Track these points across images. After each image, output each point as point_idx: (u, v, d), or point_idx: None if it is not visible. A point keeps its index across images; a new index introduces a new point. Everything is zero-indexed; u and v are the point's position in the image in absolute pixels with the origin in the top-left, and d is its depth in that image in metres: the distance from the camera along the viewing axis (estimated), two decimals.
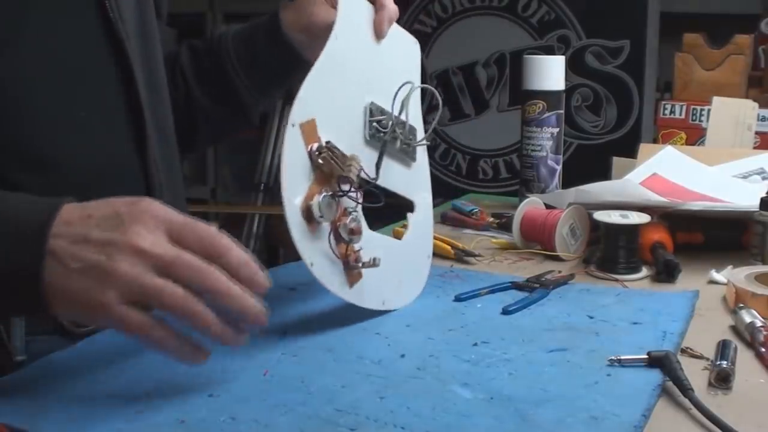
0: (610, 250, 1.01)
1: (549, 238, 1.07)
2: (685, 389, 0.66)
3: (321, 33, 0.92)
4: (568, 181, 1.28)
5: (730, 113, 1.45)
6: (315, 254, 0.76)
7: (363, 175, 0.81)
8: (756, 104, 1.47)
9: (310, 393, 0.68)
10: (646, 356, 0.72)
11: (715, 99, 1.48)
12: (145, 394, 0.67)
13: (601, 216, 1.01)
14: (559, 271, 0.99)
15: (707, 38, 1.95)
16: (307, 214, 0.76)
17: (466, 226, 1.24)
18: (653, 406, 0.65)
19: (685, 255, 1.01)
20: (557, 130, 1.27)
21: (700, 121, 1.75)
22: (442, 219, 1.28)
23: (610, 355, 0.73)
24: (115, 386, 0.69)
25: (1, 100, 0.78)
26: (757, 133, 1.46)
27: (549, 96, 1.26)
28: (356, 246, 0.79)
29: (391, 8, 0.88)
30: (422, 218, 0.94)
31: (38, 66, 0.80)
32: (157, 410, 0.64)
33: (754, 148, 1.45)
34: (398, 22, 0.92)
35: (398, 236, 0.93)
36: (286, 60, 1.01)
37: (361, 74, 0.85)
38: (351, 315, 0.84)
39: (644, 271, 1.01)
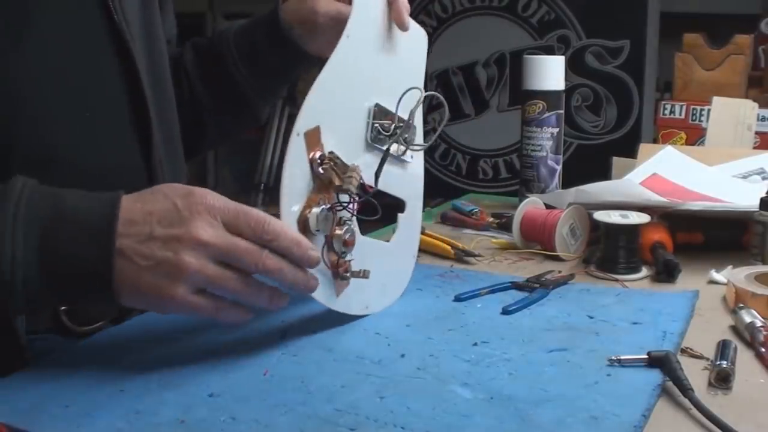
0: (610, 250, 1.01)
1: (549, 238, 1.07)
2: (685, 389, 0.66)
3: (322, 25, 0.93)
4: (568, 181, 1.28)
5: (730, 113, 1.45)
6: None
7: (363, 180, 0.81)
8: (756, 104, 1.47)
9: (310, 393, 0.68)
10: (646, 356, 0.72)
11: (715, 99, 1.49)
12: (145, 393, 0.67)
13: (601, 216, 1.01)
14: (559, 271, 0.99)
15: (707, 38, 1.95)
16: (303, 225, 0.76)
17: (466, 226, 1.24)
18: (653, 406, 0.65)
19: (685, 255, 1.01)
20: (557, 130, 1.27)
21: (700, 121, 1.75)
22: (442, 219, 1.28)
23: (610, 355, 0.73)
24: (115, 386, 0.69)
25: (7, 100, 0.78)
26: (757, 133, 1.46)
27: (549, 96, 1.26)
28: (349, 256, 0.79)
29: None
30: (411, 218, 0.94)
31: (44, 67, 0.80)
32: (157, 410, 0.64)
33: (754, 148, 1.45)
34: None
35: None
36: (286, 54, 1.01)
37: (370, 74, 0.85)
38: (351, 315, 0.84)
39: (644, 271, 1.01)
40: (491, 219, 1.23)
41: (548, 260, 1.07)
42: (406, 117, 0.85)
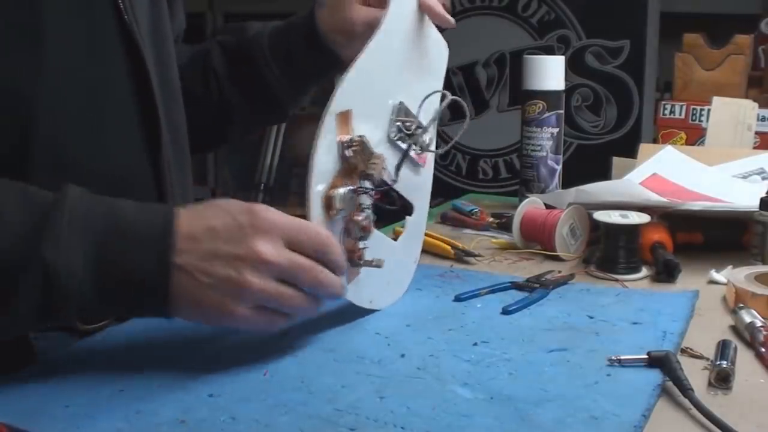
0: (610, 250, 1.01)
1: (549, 238, 1.07)
2: (685, 389, 0.66)
3: (358, 33, 0.94)
4: (568, 181, 1.28)
5: (730, 113, 1.45)
6: None
7: (384, 176, 0.81)
8: (756, 104, 1.47)
9: (310, 393, 0.68)
10: (646, 356, 0.72)
11: (715, 99, 1.48)
12: (145, 393, 0.67)
13: (601, 216, 1.01)
14: (559, 271, 0.99)
15: (707, 38, 1.95)
16: (327, 204, 0.77)
17: (466, 226, 1.24)
18: (653, 406, 0.65)
19: (685, 255, 1.01)
20: (557, 130, 1.27)
21: (700, 121, 1.75)
22: (442, 219, 1.28)
23: (610, 355, 0.73)
24: (115, 386, 0.69)
25: (23, 102, 0.78)
26: (757, 133, 1.46)
27: (549, 96, 1.26)
28: (363, 244, 0.80)
29: None
30: (418, 222, 0.94)
31: (56, 68, 0.80)
32: (157, 410, 0.64)
33: (754, 148, 1.45)
34: None
35: (398, 236, 0.93)
36: (322, 59, 1.02)
37: (398, 73, 0.86)
38: (351, 315, 0.84)
39: (644, 271, 1.01)
40: (491, 219, 1.23)
41: (548, 260, 1.07)
42: (425, 122, 0.86)
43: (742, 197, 1.13)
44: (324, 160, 0.77)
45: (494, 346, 0.77)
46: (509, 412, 0.64)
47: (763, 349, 0.75)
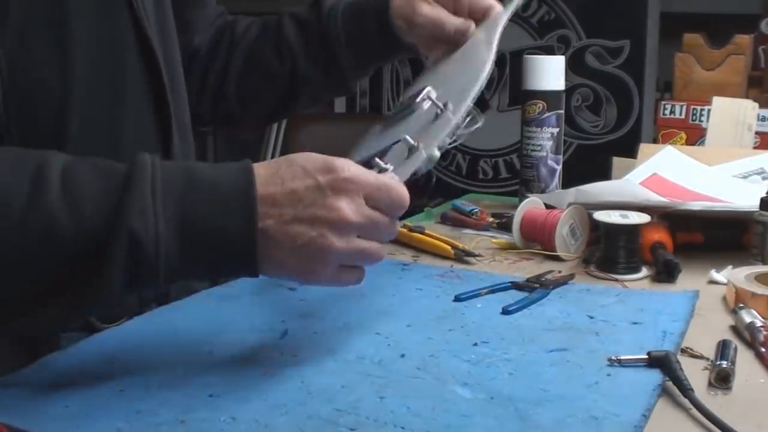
0: (610, 250, 1.01)
1: (549, 238, 1.07)
2: (685, 389, 0.66)
3: (419, 25, 1.01)
4: (568, 181, 1.28)
5: (730, 113, 1.45)
6: None
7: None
8: (756, 104, 1.47)
9: (310, 393, 0.68)
10: (646, 356, 0.72)
11: (715, 99, 1.48)
12: (145, 394, 0.67)
13: (601, 216, 1.01)
14: (559, 271, 0.99)
15: (707, 38, 1.95)
16: None
17: (466, 226, 1.24)
18: (653, 406, 0.65)
19: (685, 255, 1.01)
20: (557, 130, 1.27)
21: (700, 121, 1.75)
22: (442, 219, 1.28)
23: (610, 355, 0.73)
24: (115, 386, 0.69)
25: (51, 98, 0.79)
26: (757, 133, 1.46)
27: (549, 96, 1.26)
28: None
29: None
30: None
31: (82, 65, 0.81)
32: (157, 410, 0.64)
33: (754, 148, 1.45)
34: None
35: (400, 235, 0.92)
36: (390, 43, 1.06)
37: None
38: (351, 315, 0.84)
39: (644, 271, 1.01)
40: (491, 219, 1.23)
41: (548, 260, 1.07)
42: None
43: (742, 197, 1.13)
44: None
45: (494, 346, 0.77)
46: (509, 412, 0.64)
47: (763, 349, 0.75)
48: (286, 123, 3.20)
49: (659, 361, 0.71)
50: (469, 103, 0.85)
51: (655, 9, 2.83)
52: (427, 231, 1.13)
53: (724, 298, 0.91)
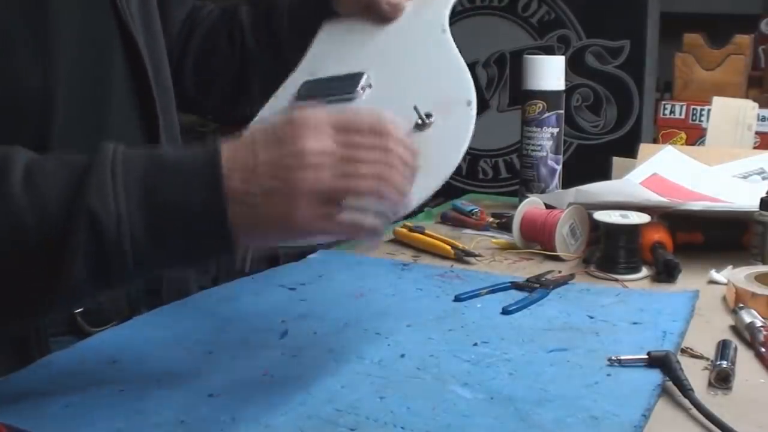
0: (610, 250, 1.01)
1: (549, 238, 1.07)
2: (685, 389, 0.66)
3: None
4: (568, 181, 1.28)
5: (730, 113, 1.45)
6: None
7: None
8: (756, 104, 1.47)
9: (310, 393, 0.68)
10: (646, 356, 0.72)
11: (715, 99, 1.48)
12: (145, 394, 0.67)
13: (601, 216, 1.01)
14: (559, 271, 0.99)
15: (707, 38, 1.95)
16: None
17: (466, 226, 1.24)
18: (653, 406, 0.65)
19: (685, 255, 1.01)
20: (557, 130, 1.27)
21: (700, 121, 1.75)
22: (442, 219, 1.28)
23: (610, 355, 0.73)
24: (115, 386, 0.69)
25: (34, 100, 0.78)
26: (757, 133, 1.46)
27: (549, 96, 1.26)
28: None
29: None
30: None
31: (65, 66, 0.81)
32: (157, 410, 0.64)
33: (754, 148, 1.45)
34: None
35: (400, 235, 0.92)
36: (323, 13, 1.02)
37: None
38: (351, 315, 0.84)
39: (644, 271, 1.01)
40: (491, 219, 1.23)
41: (548, 260, 1.07)
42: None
43: (742, 197, 1.13)
44: None
45: (494, 346, 0.77)
46: (509, 412, 0.64)
47: (763, 349, 0.75)
48: None
49: (659, 361, 0.71)
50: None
51: (655, 9, 2.82)
52: (427, 231, 1.13)
53: (724, 298, 0.91)
